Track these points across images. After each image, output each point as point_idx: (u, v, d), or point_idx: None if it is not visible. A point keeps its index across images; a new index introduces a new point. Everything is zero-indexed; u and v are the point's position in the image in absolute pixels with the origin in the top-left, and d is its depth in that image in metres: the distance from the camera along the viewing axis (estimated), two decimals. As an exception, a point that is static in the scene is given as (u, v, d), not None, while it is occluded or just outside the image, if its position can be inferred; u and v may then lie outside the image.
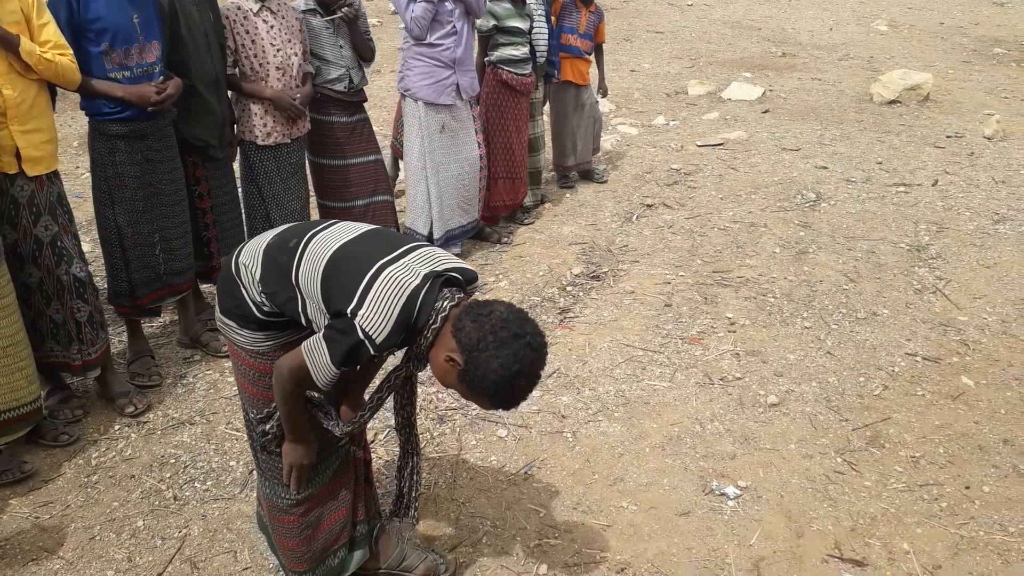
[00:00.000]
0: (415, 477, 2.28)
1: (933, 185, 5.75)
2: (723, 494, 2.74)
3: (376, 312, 1.68)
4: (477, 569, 2.43)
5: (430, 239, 4.44)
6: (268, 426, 1.99)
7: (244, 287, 1.90)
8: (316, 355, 1.74)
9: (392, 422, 3.06)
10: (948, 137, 6.99)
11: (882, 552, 2.49)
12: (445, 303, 1.74)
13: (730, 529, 2.59)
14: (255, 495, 2.65)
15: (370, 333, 1.68)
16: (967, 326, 3.85)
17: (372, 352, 1.71)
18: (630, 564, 2.45)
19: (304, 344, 1.77)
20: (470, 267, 1.89)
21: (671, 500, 2.72)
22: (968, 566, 2.44)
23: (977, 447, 2.98)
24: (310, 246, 1.84)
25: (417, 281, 1.72)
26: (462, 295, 1.81)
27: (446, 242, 4.50)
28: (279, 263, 1.85)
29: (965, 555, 2.48)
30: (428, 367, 1.85)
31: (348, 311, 1.69)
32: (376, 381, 2.32)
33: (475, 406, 3.20)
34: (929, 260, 4.56)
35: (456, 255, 3.71)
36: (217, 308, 1.99)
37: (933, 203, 5.41)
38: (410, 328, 1.73)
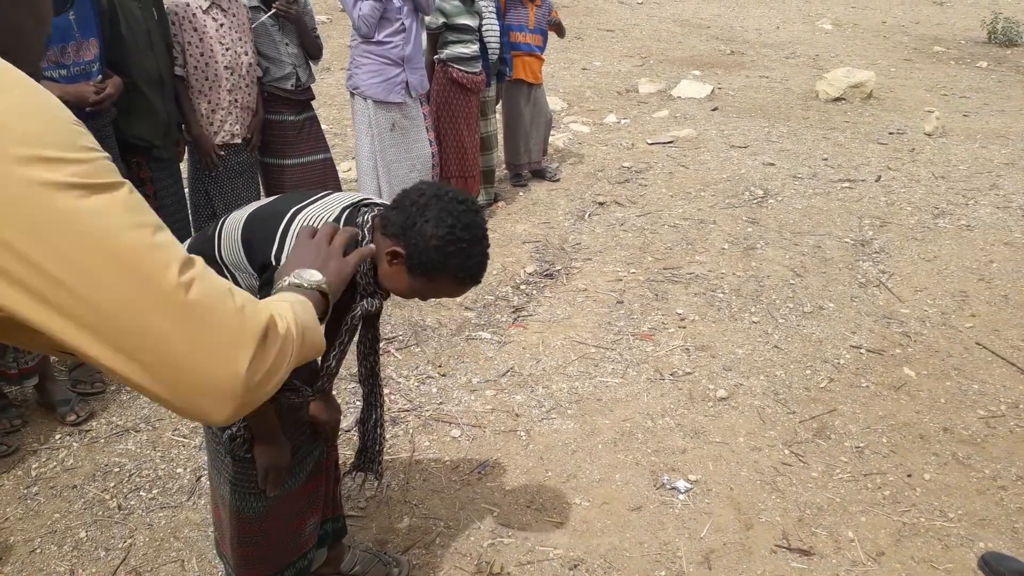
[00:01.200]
0: (379, 431, 2.23)
1: (876, 181, 5.89)
2: (674, 488, 2.77)
3: None
4: (431, 570, 2.42)
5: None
6: (234, 429, 1.93)
7: None
8: None
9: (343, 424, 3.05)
10: (890, 134, 7.18)
11: (828, 541, 2.55)
12: (367, 216, 1.73)
13: (681, 523, 2.62)
14: (206, 502, 2.60)
15: None
16: (909, 318, 3.95)
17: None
18: (583, 560, 2.46)
19: None
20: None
21: (623, 495, 2.74)
22: (910, 552, 2.51)
23: (918, 436, 3.07)
24: (226, 224, 1.83)
25: (335, 214, 1.71)
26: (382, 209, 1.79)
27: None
28: (202, 251, 1.82)
29: (907, 541, 2.55)
30: (386, 296, 1.83)
31: (272, 258, 1.68)
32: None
33: (427, 407, 3.20)
34: (873, 254, 4.67)
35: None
36: None
37: (876, 198, 5.54)
38: None
